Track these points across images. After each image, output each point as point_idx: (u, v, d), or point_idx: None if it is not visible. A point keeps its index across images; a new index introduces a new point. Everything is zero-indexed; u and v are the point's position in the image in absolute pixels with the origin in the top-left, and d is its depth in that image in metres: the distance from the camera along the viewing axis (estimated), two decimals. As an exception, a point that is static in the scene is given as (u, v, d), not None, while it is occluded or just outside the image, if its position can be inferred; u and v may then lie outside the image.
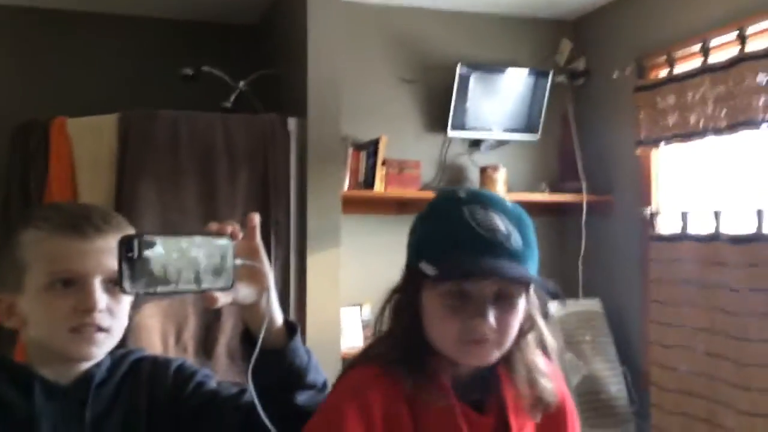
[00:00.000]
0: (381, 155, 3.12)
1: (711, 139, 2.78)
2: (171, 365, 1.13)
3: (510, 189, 3.36)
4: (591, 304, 3.27)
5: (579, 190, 3.41)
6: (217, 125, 2.56)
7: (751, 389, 2.49)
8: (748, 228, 2.57)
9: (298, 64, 2.81)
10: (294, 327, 1.03)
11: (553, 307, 2.29)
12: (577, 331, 3.15)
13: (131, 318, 1.10)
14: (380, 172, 3.13)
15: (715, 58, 2.79)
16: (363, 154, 3.15)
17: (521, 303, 1.00)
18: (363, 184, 3.12)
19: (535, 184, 3.49)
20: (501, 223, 0.98)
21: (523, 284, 1.00)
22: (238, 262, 0.90)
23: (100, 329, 1.02)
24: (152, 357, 1.15)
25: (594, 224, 3.40)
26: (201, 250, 0.86)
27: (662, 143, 3.00)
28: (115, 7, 3.27)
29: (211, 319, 2.43)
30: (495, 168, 3.32)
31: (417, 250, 1.03)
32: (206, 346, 2.42)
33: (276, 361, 0.99)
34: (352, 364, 1.06)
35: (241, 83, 2.96)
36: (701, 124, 2.79)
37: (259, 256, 0.96)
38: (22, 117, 2.57)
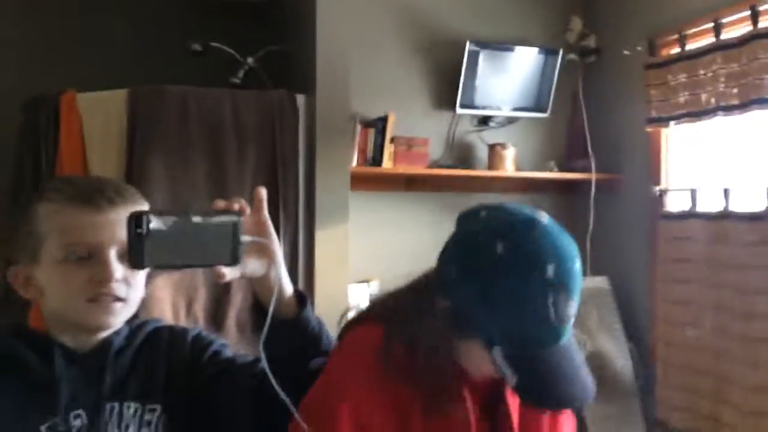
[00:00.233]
0: (389, 132, 3.12)
1: (721, 117, 2.77)
2: (188, 334, 1.15)
3: (519, 167, 3.35)
4: (599, 282, 3.28)
5: (588, 169, 3.40)
6: (226, 101, 2.55)
7: (758, 366, 2.50)
8: (757, 206, 2.57)
9: (306, 41, 2.79)
10: (304, 297, 1.05)
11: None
12: (584, 308, 3.15)
13: (145, 288, 1.12)
14: (388, 150, 3.13)
15: (727, 35, 2.76)
16: (371, 131, 3.14)
17: None
18: (371, 161, 3.12)
19: (544, 162, 3.48)
20: (574, 311, 0.93)
21: None
22: (247, 239, 0.91)
23: (117, 299, 1.04)
24: (169, 326, 1.17)
25: (603, 202, 3.39)
26: (209, 226, 0.87)
27: (672, 122, 2.99)
28: (124, -18, 3.25)
29: (220, 291, 2.44)
30: (504, 146, 3.31)
31: (482, 316, 0.93)
32: (216, 318, 2.44)
33: (288, 331, 1.00)
34: (358, 320, 1.08)
35: (249, 59, 2.96)
36: (712, 102, 2.78)
37: (266, 229, 0.97)
38: (32, 91, 2.57)
